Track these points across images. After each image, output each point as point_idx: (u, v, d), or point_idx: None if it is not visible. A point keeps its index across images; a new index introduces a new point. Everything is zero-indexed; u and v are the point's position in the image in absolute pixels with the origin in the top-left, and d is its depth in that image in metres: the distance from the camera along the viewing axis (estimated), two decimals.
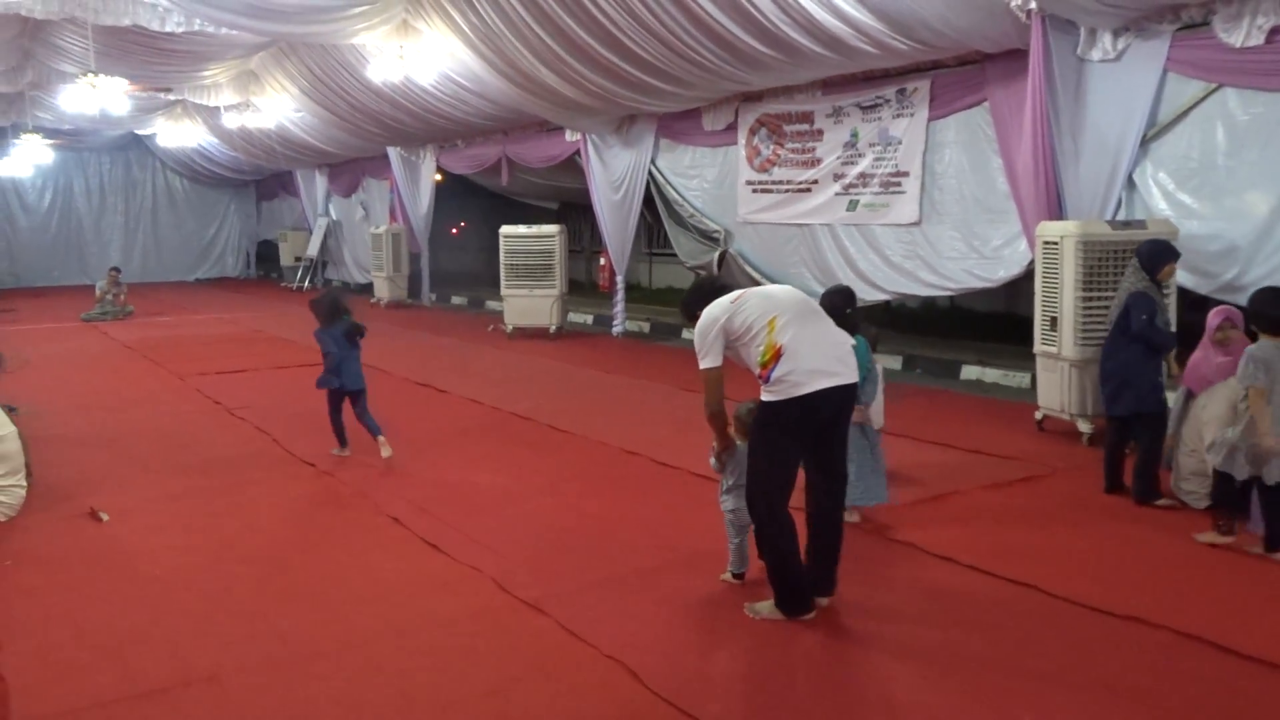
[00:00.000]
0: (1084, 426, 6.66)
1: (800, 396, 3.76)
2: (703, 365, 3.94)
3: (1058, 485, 5.76)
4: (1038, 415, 7.14)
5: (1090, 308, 6.54)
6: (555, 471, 6.24)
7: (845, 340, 4.05)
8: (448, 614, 3.98)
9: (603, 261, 14.03)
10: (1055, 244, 6.72)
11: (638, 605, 4.06)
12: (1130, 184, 7.19)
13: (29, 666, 3.54)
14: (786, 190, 10.51)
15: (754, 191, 10.96)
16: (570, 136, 13.36)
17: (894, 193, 9.33)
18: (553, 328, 12.97)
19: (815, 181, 10.16)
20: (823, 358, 3.83)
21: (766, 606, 3.95)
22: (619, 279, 13.36)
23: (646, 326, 13.34)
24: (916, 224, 9.16)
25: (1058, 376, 6.78)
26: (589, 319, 14.72)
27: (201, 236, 26.28)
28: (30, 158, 19.90)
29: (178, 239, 25.85)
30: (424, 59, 11.55)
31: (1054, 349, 6.76)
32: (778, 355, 3.78)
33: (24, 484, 5.50)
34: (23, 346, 12.05)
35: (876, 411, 5.25)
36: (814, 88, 9.94)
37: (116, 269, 17.33)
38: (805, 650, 3.67)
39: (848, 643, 3.75)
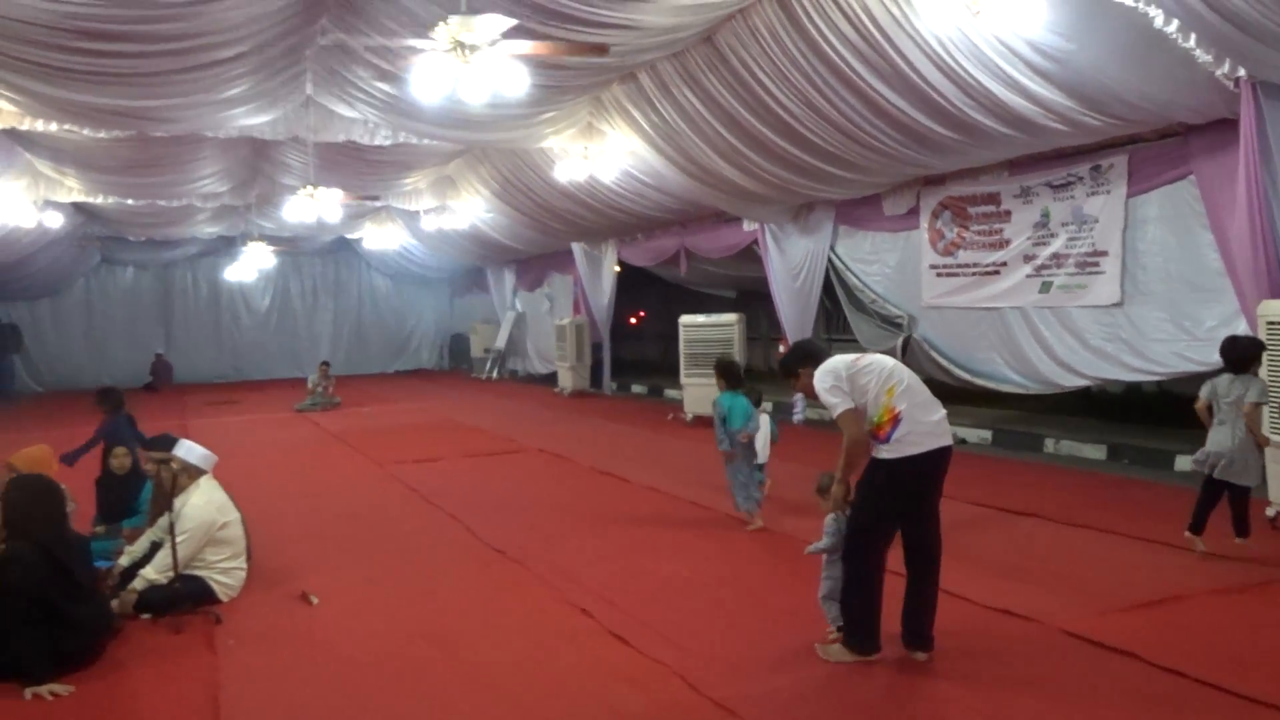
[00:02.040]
0: None
1: (914, 455, 4.25)
2: (839, 411, 4.35)
3: None
4: (1269, 512, 6.50)
5: None
6: (737, 562, 6.15)
7: (942, 410, 4.45)
8: (635, 710, 3.94)
9: (781, 349, 13.97)
10: None
11: (831, 708, 3.89)
12: None
13: None
14: (973, 273, 10.20)
15: (938, 275, 10.70)
16: (748, 226, 13.51)
17: (1091, 273, 8.89)
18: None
19: (1004, 264, 9.82)
20: (932, 423, 4.32)
21: (836, 649, 4.36)
22: None
23: (826, 414, 13.09)
24: (1118, 305, 8.67)
25: None
26: (769, 406, 14.56)
27: (400, 331, 28.02)
28: (255, 263, 21.94)
29: (379, 334, 27.65)
30: (607, 157, 12.05)
31: None
32: (896, 419, 4.26)
33: (245, 566, 5.91)
34: (243, 436, 13.08)
35: (762, 446, 7.19)
36: (1000, 168, 9.69)
37: (326, 363, 18.67)
38: None
39: None
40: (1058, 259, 9.21)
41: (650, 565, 6.13)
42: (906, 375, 4.43)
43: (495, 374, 22.89)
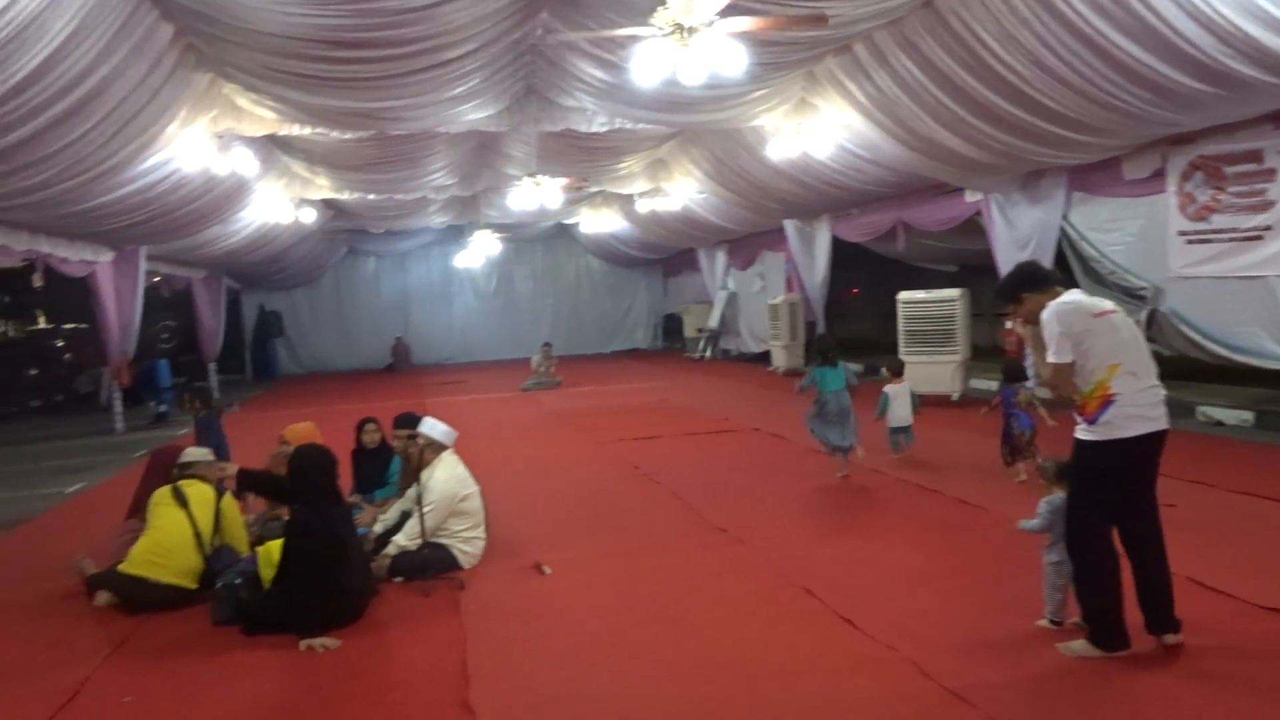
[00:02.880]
0: None
1: (1121, 439, 4.04)
2: (1053, 360, 4.13)
3: None
4: None
5: None
6: (968, 551, 5.93)
7: (1161, 388, 4.20)
8: (867, 696, 3.89)
9: (1008, 324, 13.26)
10: None
11: (1071, 705, 3.70)
12: None
13: (492, 706, 3.98)
14: (1231, 239, 9.28)
15: (1188, 243, 9.81)
16: (970, 197, 12.90)
17: None
18: (954, 395, 12.47)
19: (1268, 228, 8.87)
20: (1147, 405, 4.08)
21: (1081, 645, 4.15)
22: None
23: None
24: None
25: None
26: (993, 385, 13.93)
27: (616, 312, 28.82)
28: (482, 250, 23.16)
29: (595, 315, 28.56)
30: (820, 133, 11.84)
31: None
32: (1106, 401, 4.05)
33: (484, 536, 6.29)
34: (475, 414, 13.87)
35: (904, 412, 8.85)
36: (1262, 122, 8.74)
37: (548, 344, 19.49)
38: None
39: None
40: None
41: (876, 550, 6.02)
42: (1138, 353, 4.16)
43: (708, 353, 23.08)
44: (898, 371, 9.26)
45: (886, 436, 8.94)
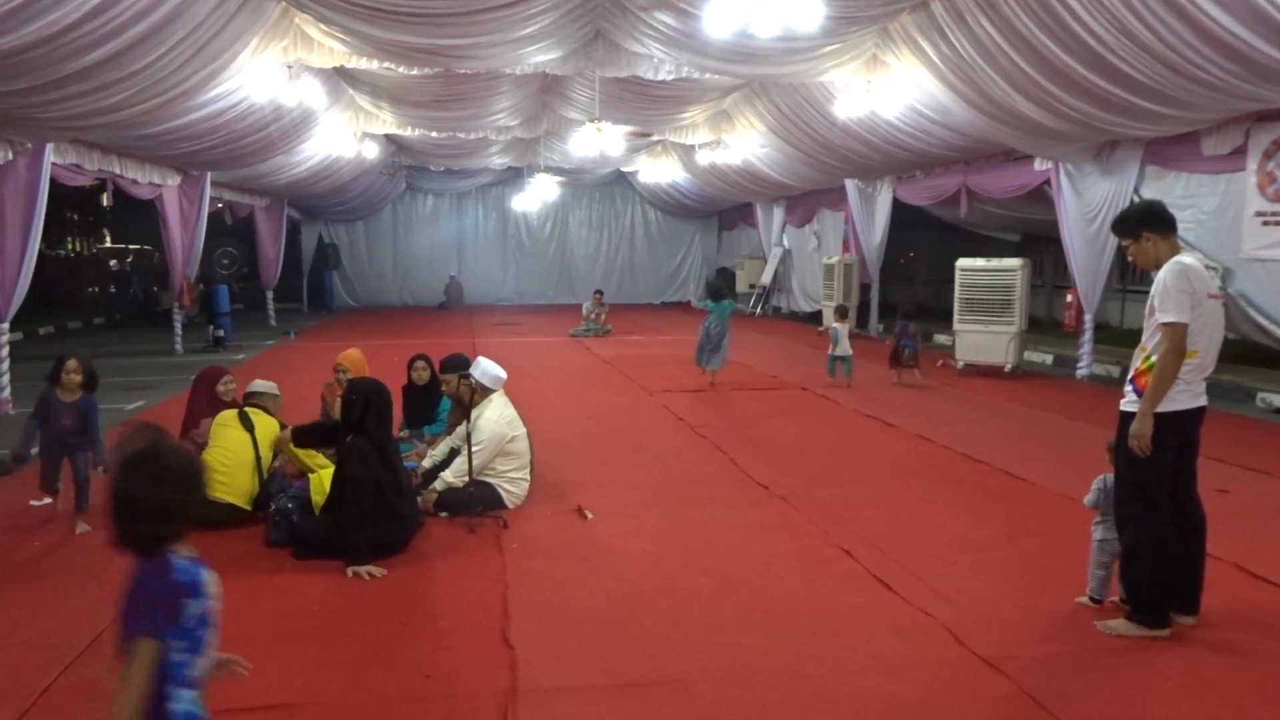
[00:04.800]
0: None
1: (1175, 412, 3.99)
2: (1172, 319, 3.93)
3: None
4: None
5: None
6: (1012, 522, 5.90)
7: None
8: (899, 659, 3.92)
9: (1069, 298, 13.02)
10: None
11: (1111, 683, 3.69)
12: None
13: (531, 642, 4.07)
14: None
15: (1264, 224, 9.50)
16: (1040, 165, 12.60)
17: None
18: (1008, 366, 12.31)
19: None
20: (1199, 381, 4.05)
21: (1121, 624, 4.14)
22: (1087, 317, 12.32)
23: (1116, 370, 12.14)
24: None
25: None
26: (1048, 359, 13.76)
27: (669, 264, 28.75)
28: (539, 194, 23.16)
29: (649, 265, 28.54)
30: (890, 92, 11.60)
31: None
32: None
33: (529, 478, 6.39)
34: (524, 356, 13.99)
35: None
36: None
37: (600, 291, 19.52)
38: None
39: None
40: None
41: (918, 516, 6.01)
42: (1214, 348, 4.11)
43: (759, 310, 22.97)
44: (844, 315, 11.96)
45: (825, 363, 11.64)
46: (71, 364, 5.74)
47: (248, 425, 6.00)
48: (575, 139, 15.62)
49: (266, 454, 6.00)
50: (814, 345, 15.97)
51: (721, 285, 12.65)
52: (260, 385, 6.45)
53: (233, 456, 5.81)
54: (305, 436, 6.04)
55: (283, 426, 6.18)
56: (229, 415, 6.08)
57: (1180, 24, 7.55)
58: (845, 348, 11.36)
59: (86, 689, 3.65)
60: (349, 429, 5.31)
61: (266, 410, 6.25)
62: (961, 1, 9.16)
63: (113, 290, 25.91)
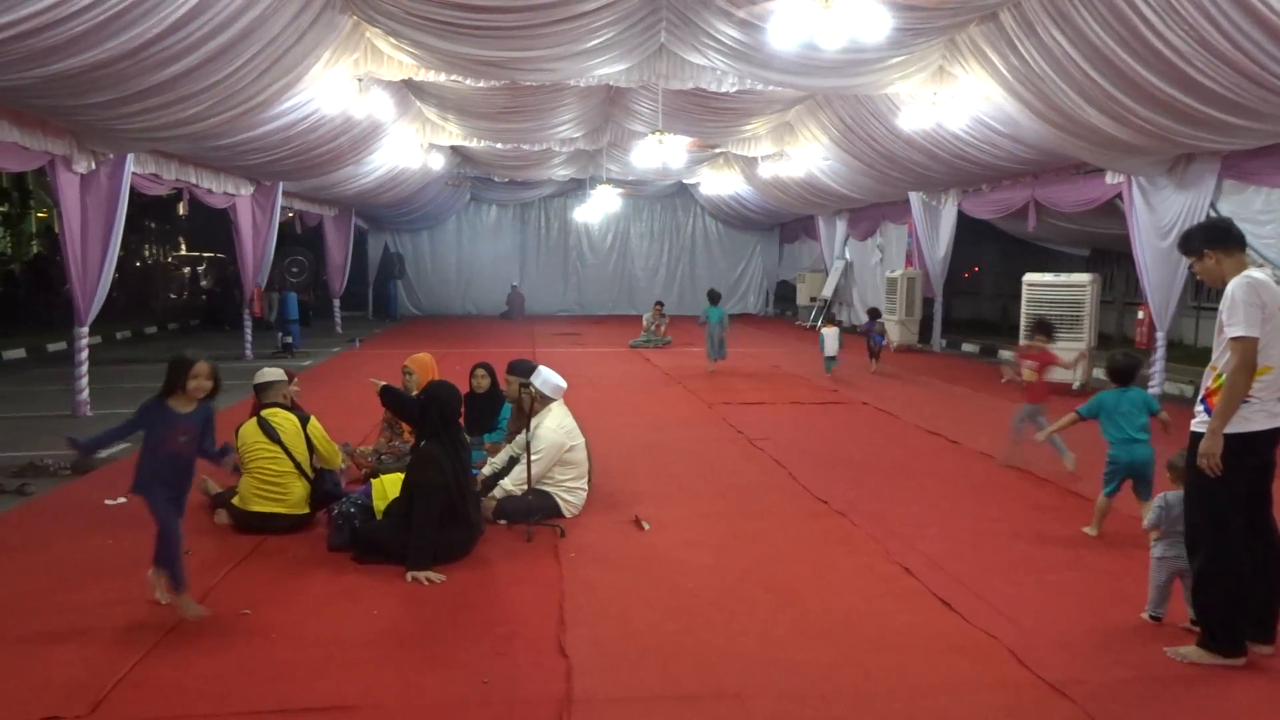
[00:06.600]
0: None
1: (1245, 433, 3.86)
2: (1242, 334, 3.81)
3: None
4: None
5: None
6: (1079, 542, 5.75)
7: None
8: (963, 679, 3.85)
9: (1141, 315, 12.68)
10: None
11: (1181, 712, 3.58)
12: None
13: (587, 652, 4.08)
14: None
15: None
16: (1111, 179, 12.32)
17: None
18: (1076, 383, 12.02)
19: None
20: (1273, 402, 3.92)
21: (1193, 651, 4.00)
22: (1159, 335, 11.99)
23: (1190, 389, 11.79)
24: None
25: None
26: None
27: (730, 275, 28.68)
28: (601, 205, 23.29)
29: (710, 277, 28.47)
30: (957, 103, 11.45)
31: None
32: (1244, 397, 3.86)
33: (586, 487, 6.41)
34: (585, 366, 14.06)
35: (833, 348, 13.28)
36: None
37: (660, 303, 19.53)
38: None
39: None
40: None
41: (981, 534, 5.90)
42: None
43: (820, 323, 22.77)
44: (830, 319, 14.74)
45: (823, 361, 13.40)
46: (201, 368, 4.60)
47: (270, 434, 5.80)
48: (638, 150, 15.70)
49: (302, 454, 5.87)
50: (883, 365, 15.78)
51: (717, 294, 15.24)
52: (268, 375, 6.21)
53: (271, 472, 5.74)
54: (395, 396, 5.71)
55: (304, 419, 6.03)
56: (250, 429, 5.84)
57: (1259, 32, 7.32)
58: (832, 349, 13.41)
59: (156, 681, 3.75)
60: (422, 433, 5.37)
61: (281, 405, 6.07)
62: (1032, 12, 9.01)
63: (186, 296, 26.67)
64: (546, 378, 6.35)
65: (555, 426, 6.22)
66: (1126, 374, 5.89)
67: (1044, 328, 8.25)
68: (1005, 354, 15.52)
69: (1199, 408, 4.04)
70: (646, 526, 5.99)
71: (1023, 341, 7.83)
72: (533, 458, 6.04)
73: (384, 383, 5.79)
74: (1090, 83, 9.26)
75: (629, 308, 26.76)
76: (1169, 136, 9.78)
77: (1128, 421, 5.75)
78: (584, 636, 4.24)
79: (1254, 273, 3.97)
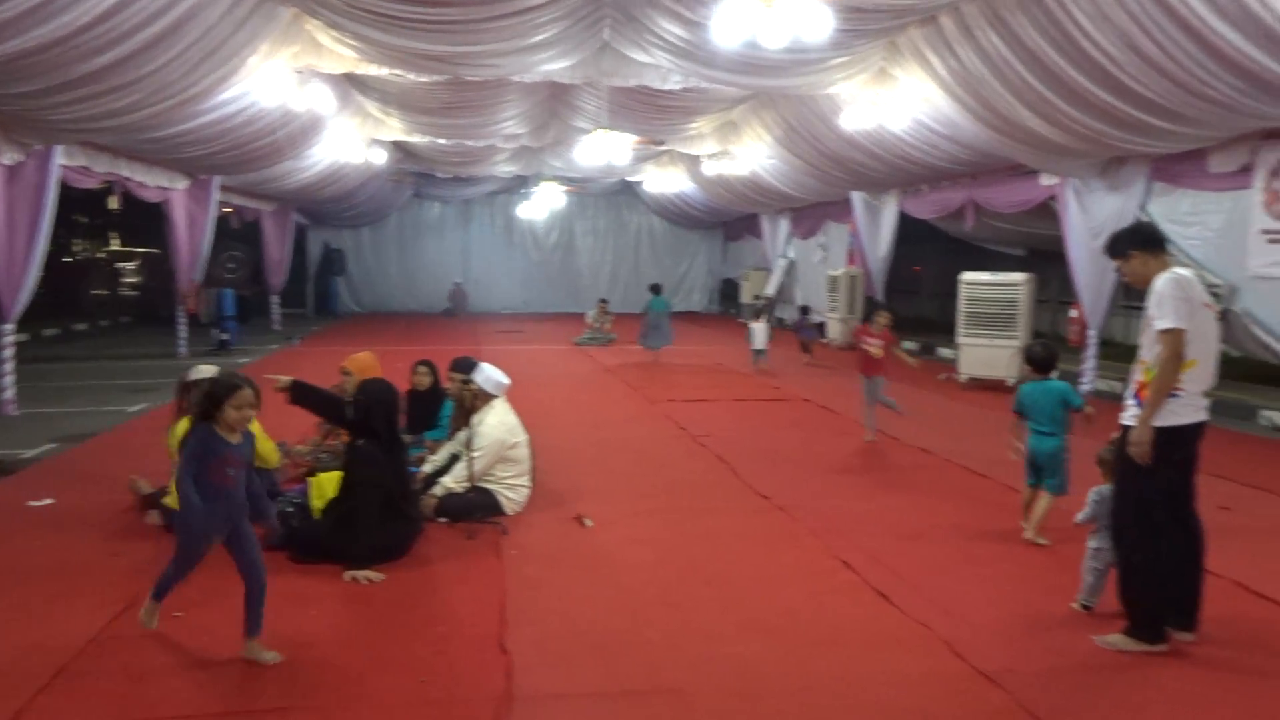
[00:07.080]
0: None
1: (1177, 425, 3.99)
2: (1170, 326, 3.95)
3: None
4: None
5: None
6: (1013, 535, 5.85)
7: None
8: (899, 671, 3.91)
9: (1073, 314, 13.00)
10: None
11: (1109, 698, 3.67)
12: None
13: (529, 649, 4.06)
14: None
15: (1270, 242, 9.47)
16: (1046, 180, 12.59)
17: None
18: (1010, 380, 12.28)
19: None
20: (1200, 394, 4.05)
21: (1119, 639, 4.12)
22: (1091, 333, 12.30)
23: (1118, 385, 12.11)
24: None
25: None
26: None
27: (674, 273, 28.74)
28: (546, 202, 23.18)
29: (655, 274, 28.41)
30: (897, 105, 11.60)
31: None
32: (1171, 391, 3.99)
33: (529, 485, 6.38)
34: (528, 364, 13.99)
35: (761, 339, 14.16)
36: None
37: (605, 300, 19.52)
38: None
39: None
40: None
41: (919, 529, 6.00)
42: (1213, 359, 4.13)
43: (750, 318, 22.98)
44: (757, 314, 15.02)
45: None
46: (247, 396, 3.93)
47: None
48: (581, 147, 15.67)
49: None
50: (818, 356, 15.94)
51: (659, 286, 16.78)
52: (203, 372, 5.80)
53: None
54: (307, 395, 5.41)
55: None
56: (185, 426, 5.24)
57: (1189, 41, 7.54)
58: (760, 342, 14.13)
59: (79, 690, 3.65)
60: (358, 431, 5.29)
61: None
62: (970, 16, 9.17)
63: (118, 293, 25.98)
64: (489, 374, 6.31)
65: (497, 423, 6.18)
66: (1044, 364, 5.97)
67: (884, 310, 9.13)
68: (943, 351, 15.79)
69: (1130, 401, 4.15)
70: (589, 524, 5.99)
71: (870, 323, 8.89)
72: (474, 455, 6.00)
73: (289, 379, 5.38)
74: (1026, 86, 9.45)
75: (574, 305, 26.67)
76: (1101, 139, 10.02)
77: (1039, 413, 5.83)
78: (526, 634, 4.22)
79: (1179, 270, 4.12)
